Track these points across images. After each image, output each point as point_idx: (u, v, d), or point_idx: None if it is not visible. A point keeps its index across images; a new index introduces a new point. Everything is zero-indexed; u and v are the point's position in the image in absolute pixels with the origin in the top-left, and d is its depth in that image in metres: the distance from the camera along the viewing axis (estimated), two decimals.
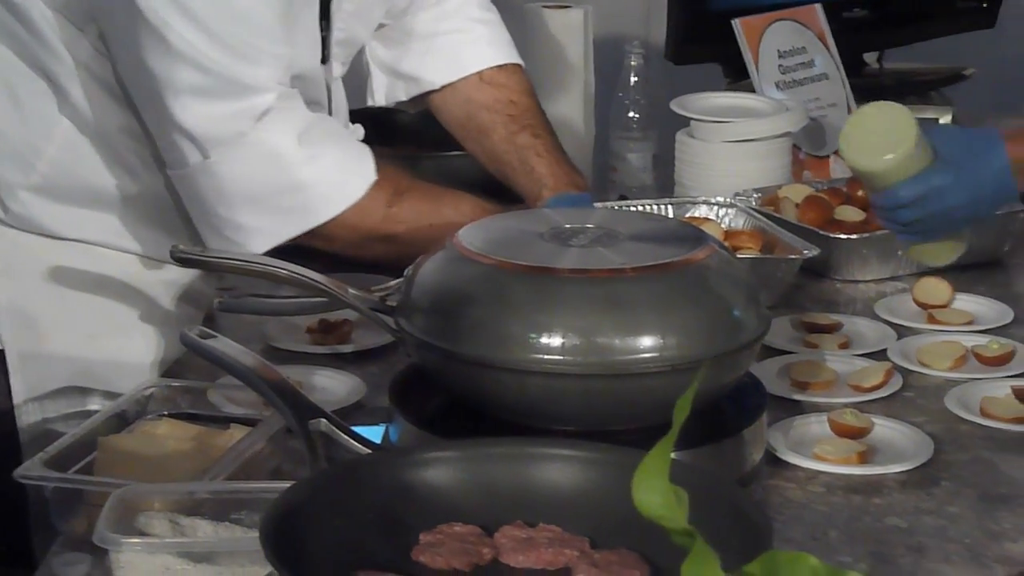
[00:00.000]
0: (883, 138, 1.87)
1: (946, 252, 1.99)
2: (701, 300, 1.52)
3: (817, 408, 1.78)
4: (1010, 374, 1.89)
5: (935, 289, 2.11)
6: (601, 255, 1.54)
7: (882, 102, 1.93)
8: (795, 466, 1.65)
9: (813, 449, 1.67)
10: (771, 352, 1.91)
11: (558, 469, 1.31)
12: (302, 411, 1.42)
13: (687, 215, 2.27)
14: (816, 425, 1.73)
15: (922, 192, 1.87)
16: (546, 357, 1.47)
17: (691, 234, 1.61)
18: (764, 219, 2.22)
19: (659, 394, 1.46)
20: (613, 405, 1.49)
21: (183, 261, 1.65)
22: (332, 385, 1.82)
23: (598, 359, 1.47)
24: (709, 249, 1.56)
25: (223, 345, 1.45)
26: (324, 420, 1.42)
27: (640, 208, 2.27)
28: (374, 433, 1.60)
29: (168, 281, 2.01)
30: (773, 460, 1.65)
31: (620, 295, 1.49)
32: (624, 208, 2.25)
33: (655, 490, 0.76)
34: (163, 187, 1.95)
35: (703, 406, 1.55)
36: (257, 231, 1.89)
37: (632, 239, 1.58)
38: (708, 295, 1.53)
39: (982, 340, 1.97)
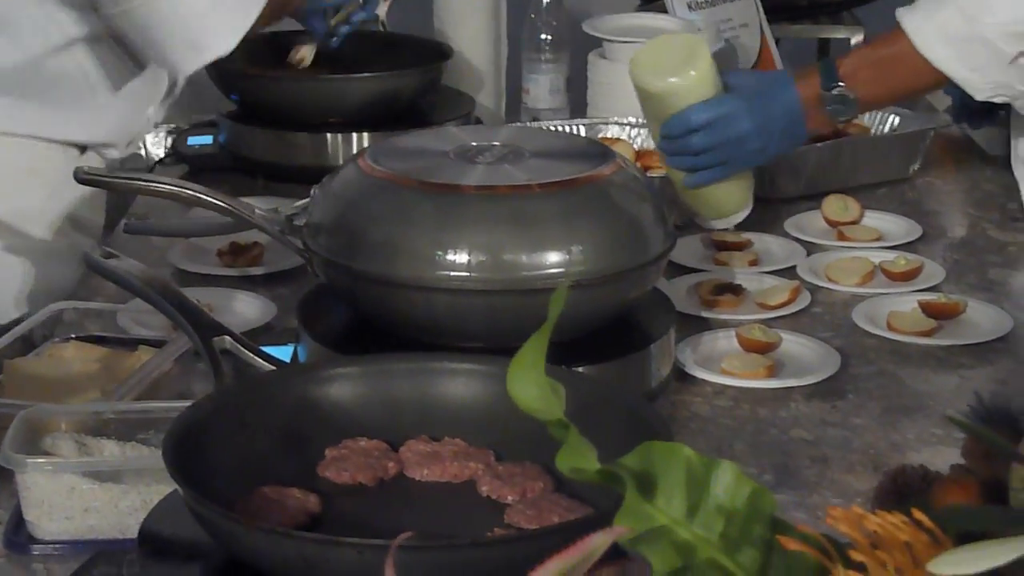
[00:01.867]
0: (675, 60, 1.87)
1: (730, 201, 1.99)
2: (607, 216, 1.53)
3: (726, 325, 1.80)
4: (917, 289, 1.91)
5: (844, 206, 2.13)
6: (507, 172, 1.55)
7: (675, 32, 1.91)
8: (703, 381, 1.67)
9: (721, 364, 1.69)
10: (681, 270, 1.93)
11: (462, 384, 1.32)
12: (205, 329, 1.42)
13: (599, 135, 2.27)
14: (724, 341, 1.75)
15: (714, 115, 1.87)
16: (452, 274, 1.48)
17: (597, 151, 1.61)
18: None
19: (564, 310, 1.46)
20: (519, 321, 1.46)
21: (87, 183, 1.64)
22: (242, 307, 1.82)
23: (504, 275, 1.48)
24: (615, 166, 1.57)
25: (125, 265, 1.44)
26: (228, 338, 1.42)
27: (552, 129, 2.27)
28: (283, 353, 1.60)
29: (61, 213, 1.99)
30: (681, 375, 1.67)
31: (526, 211, 1.50)
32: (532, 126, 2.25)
33: (530, 382, 0.76)
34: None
35: (610, 321, 1.57)
36: (226, 26, 1.91)
37: (538, 156, 1.58)
38: (614, 211, 1.54)
39: (890, 256, 1.99)
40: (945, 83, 1.89)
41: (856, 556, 0.64)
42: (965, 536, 0.65)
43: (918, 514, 0.64)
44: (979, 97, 1.85)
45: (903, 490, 0.81)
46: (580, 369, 1.47)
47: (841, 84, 1.88)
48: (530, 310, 1.49)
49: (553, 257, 1.49)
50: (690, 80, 1.87)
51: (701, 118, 1.87)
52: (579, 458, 0.73)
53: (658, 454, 0.73)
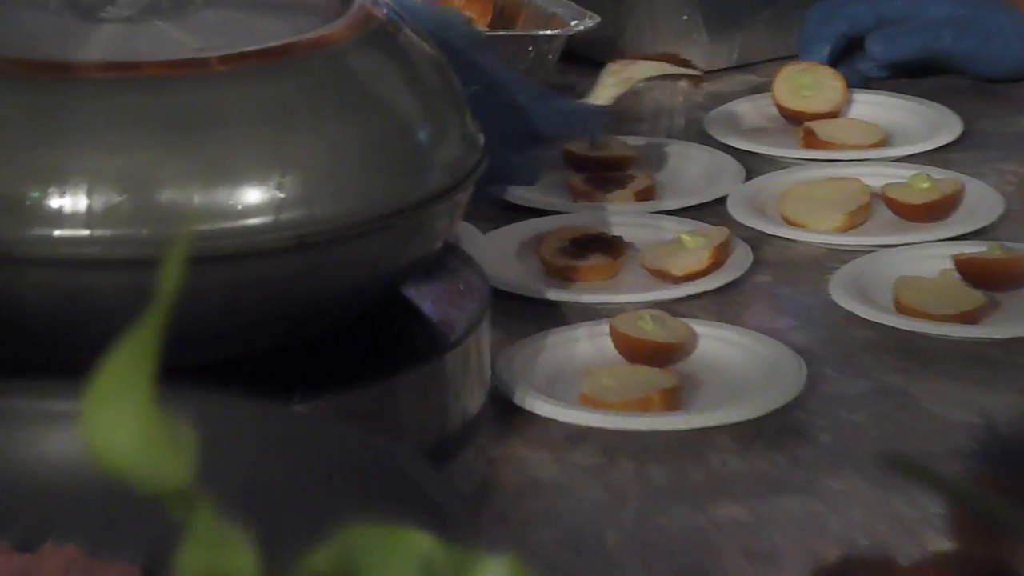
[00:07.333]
0: None
1: None
2: (348, 117, 1.53)
3: (592, 312, 1.83)
4: (949, 237, 1.96)
5: (813, 81, 2.28)
6: (161, 35, 1.56)
7: None
8: (546, 420, 1.69)
9: (581, 388, 1.70)
10: (511, 213, 1.95)
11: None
12: None
13: None
14: (588, 343, 1.79)
15: None
16: (57, 233, 1.47)
17: None
18: None
19: (274, 293, 1.49)
20: (185, 318, 1.49)
21: None
22: None
23: (155, 232, 1.46)
24: (363, 18, 1.56)
25: None
26: None
27: None
28: None
29: None
30: (508, 410, 1.69)
31: (195, 111, 1.50)
32: None
33: (123, 419, 0.75)
34: None
35: (365, 313, 1.57)
36: None
37: (220, 6, 1.60)
38: (361, 107, 1.54)
39: (903, 173, 2.06)
40: None
41: None
42: None
43: None
44: None
45: None
46: (301, 405, 1.47)
47: None
48: (206, 294, 1.49)
49: (249, 196, 1.47)
50: None
51: None
52: (219, 555, 0.72)
53: (368, 545, 0.73)
